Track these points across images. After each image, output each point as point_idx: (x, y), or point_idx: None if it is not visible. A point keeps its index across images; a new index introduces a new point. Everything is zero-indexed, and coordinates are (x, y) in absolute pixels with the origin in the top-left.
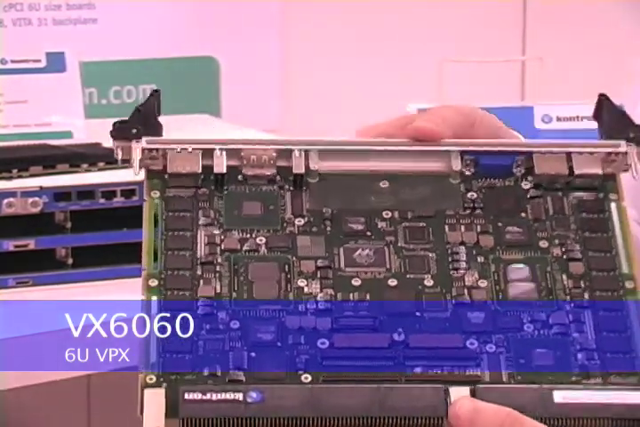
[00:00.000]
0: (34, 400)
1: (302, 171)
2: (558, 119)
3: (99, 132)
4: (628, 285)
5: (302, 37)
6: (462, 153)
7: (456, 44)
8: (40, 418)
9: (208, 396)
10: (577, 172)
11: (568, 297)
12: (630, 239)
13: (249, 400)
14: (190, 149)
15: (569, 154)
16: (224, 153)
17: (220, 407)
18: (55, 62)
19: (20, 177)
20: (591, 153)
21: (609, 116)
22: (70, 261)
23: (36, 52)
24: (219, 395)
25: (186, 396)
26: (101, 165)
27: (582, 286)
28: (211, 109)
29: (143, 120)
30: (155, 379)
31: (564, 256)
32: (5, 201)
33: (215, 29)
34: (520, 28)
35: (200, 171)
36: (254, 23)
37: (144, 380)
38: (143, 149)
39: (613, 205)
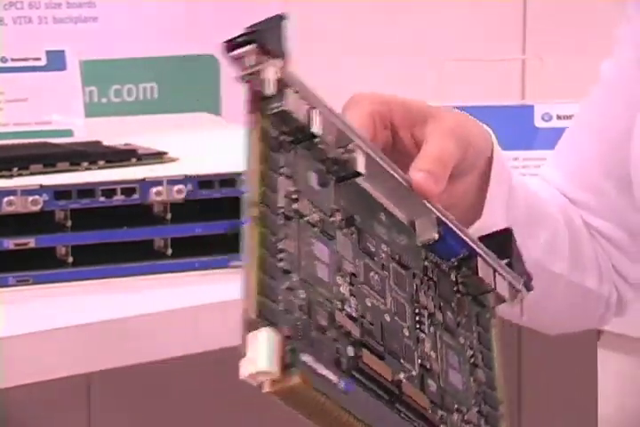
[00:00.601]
0: (34, 399)
1: (363, 171)
2: (558, 117)
3: (99, 131)
4: (502, 409)
5: (302, 36)
6: (438, 220)
7: (456, 43)
8: (40, 417)
9: (315, 366)
10: (497, 289)
11: (473, 400)
12: (502, 370)
13: (339, 387)
14: (300, 97)
15: (495, 271)
16: (320, 117)
17: (320, 380)
18: (55, 61)
19: (20, 175)
20: (504, 277)
21: (515, 253)
22: (70, 259)
23: (37, 50)
24: (322, 369)
25: (301, 356)
26: (102, 163)
27: (481, 393)
28: (211, 108)
29: (277, 42)
30: (254, 316)
31: (472, 360)
32: (5, 199)
33: (215, 28)
34: (520, 26)
35: (306, 122)
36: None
37: (247, 314)
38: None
39: (494, 330)
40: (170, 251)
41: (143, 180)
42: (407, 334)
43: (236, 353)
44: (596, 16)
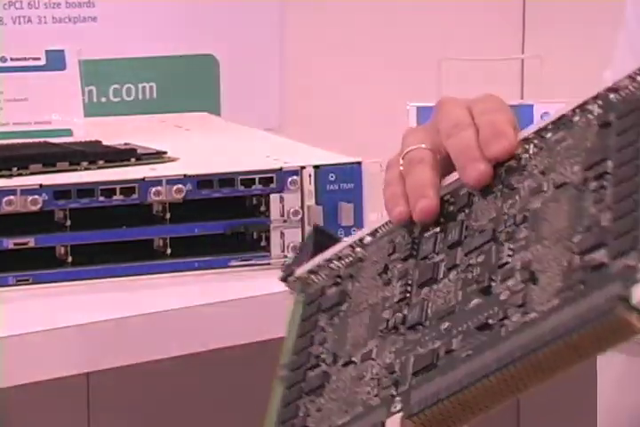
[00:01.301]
0: (34, 399)
1: None
2: None
3: (99, 131)
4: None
5: (302, 36)
6: None
7: (455, 43)
8: (40, 417)
9: None
10: None
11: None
12: None
13: None
14: None
15: None
16: None
17: None
18: (55, 60)
19: (19, 175)
20: None
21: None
22: (70, 259)
23: (36, 50)
24: None
25: None
26: (101, 163)
27: None
28: (210, 108)
29: None
30: None
31: None
32: (5, 199)
33: (214, 27)
34: (519, 26)
35: None
36: (254, 21)
37: None
38: None
39: None
40: (169, 251)
41: (142, 179)
42: None
43: (236, 354)
44: (595, 16)
